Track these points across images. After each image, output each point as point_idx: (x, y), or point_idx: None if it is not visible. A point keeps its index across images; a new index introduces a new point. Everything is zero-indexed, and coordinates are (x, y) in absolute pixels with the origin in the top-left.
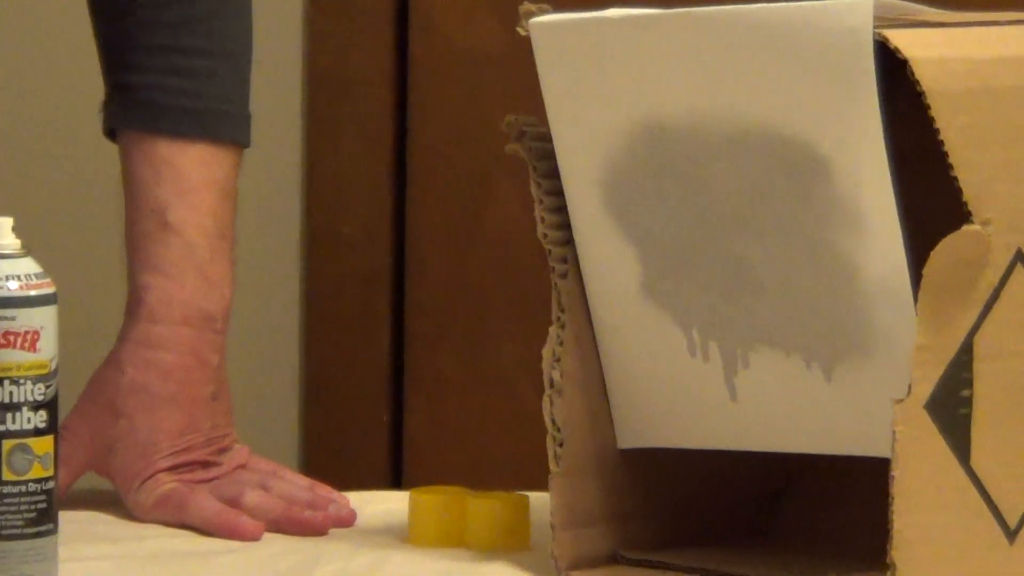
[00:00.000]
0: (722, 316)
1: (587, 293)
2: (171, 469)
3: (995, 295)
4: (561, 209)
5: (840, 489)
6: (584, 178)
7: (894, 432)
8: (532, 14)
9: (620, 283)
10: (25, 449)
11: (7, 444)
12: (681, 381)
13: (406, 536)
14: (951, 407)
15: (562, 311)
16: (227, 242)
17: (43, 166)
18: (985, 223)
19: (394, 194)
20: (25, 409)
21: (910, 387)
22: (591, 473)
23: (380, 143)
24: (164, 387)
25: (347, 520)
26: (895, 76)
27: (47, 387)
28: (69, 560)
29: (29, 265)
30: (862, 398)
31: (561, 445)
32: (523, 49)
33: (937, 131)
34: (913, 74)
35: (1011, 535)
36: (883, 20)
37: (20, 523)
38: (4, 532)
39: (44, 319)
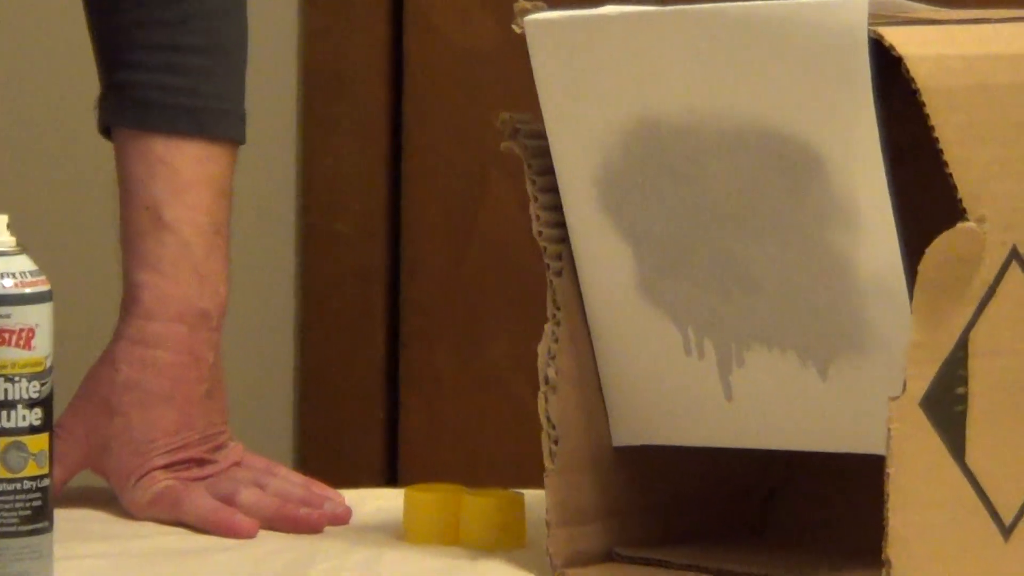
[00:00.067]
0: (717, 314)
1: (582, 291)
2: (166, 467)
3: (990, 292)
4: (556, 207)
5: (835, 486)
6: (579, 176)
7: (889, 429)
8: (527, 11)
9: (615, 281)
10: (20, 447)
11: (2, 442)
12: (676, 379)
13: (401, 534)
14: (946, 404)
15: (557, 309)
16: (222, 239)
17: (38, 163)
18: (980, 220)
19: (389, 191)
20: (20, 407)
21: (905, 384)
22: (586, 470)
23: (375, 140)
24: (159, 385)
25: (342, 518)
26: (890, 73)
27: (42, 385)
28: (64, 558)
29: (24, 263)
30: (857, 395)
31: (556, 442)
32: (518, 46)
33: (932, 128)
34: (908, 71)
35: (1006, 532)
36: (878, 17)
37: (15, 521)
38: None
39: (39, 317)
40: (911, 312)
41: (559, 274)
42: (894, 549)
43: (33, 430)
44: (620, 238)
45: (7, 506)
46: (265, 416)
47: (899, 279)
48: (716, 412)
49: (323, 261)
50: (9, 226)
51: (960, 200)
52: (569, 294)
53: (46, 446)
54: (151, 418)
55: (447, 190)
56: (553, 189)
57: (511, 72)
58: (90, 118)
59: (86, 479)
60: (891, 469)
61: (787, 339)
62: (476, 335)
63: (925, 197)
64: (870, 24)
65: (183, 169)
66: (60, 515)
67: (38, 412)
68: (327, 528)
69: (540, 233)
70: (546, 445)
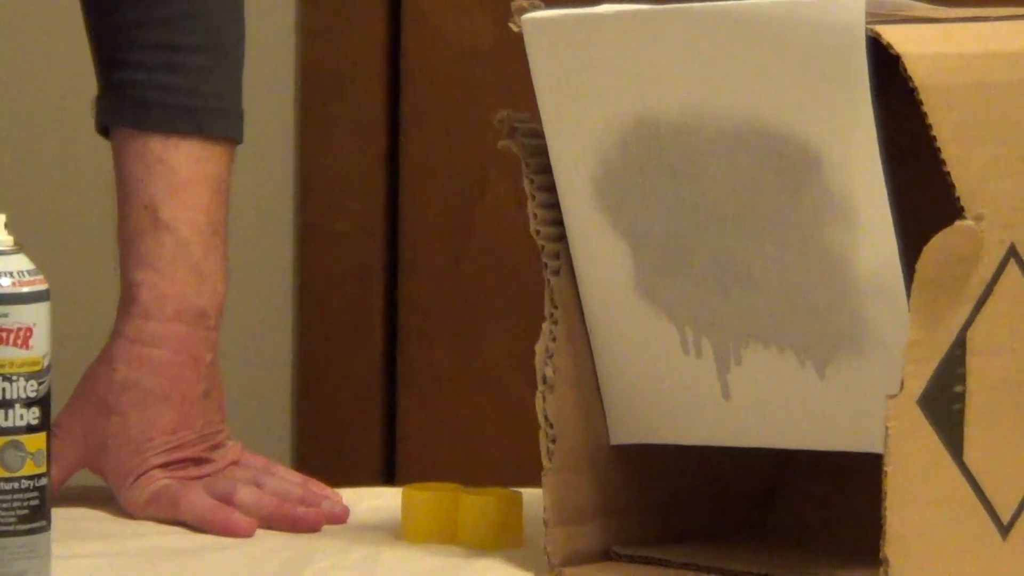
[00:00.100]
0: (715, 312)
1: (580, 289)
2: (164, 466)
3: (988, 291)
4: (554, 205)
5: (833, 485)
6: (577, 174)
7: (887, 428)
8: (524, 10)
9: (613, 279)
10: (18, 446)
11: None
12: (674, 377)
13: (399, 532)
14: (944, 402)
15: (555, 307)
16: (220, 238)
17: (35, 163)
18: (978, 219)
19: (387, 190)
20: (18, 406)
21: (903, 383)
22: (584, 469)
23: (373, 139)
24: (156, 384)
25: (340, 516)
26: (888, 72)
27: (40, 384)
28: (62, 557)
29: (22, 262)
30: (855, 394)
31: (554, 441)
32: (515, 45)
33: (930, 127)
34: (906, 70)
35: (1004, 530)
36: (876, 16)
37: (13, 520)
38: None
39: (37, 316)
40: (909, 311)
41: (557, 273)
42: (892, 547)
43: (31, 429)
44: (618, 237)
45: (4, 505)
46: (263, 415)
47: (897, 278)
48: (714, 411)
49: (321, 260)
50: (7, 225)
51: (958, 199)
52: (567, 293)
53: (43, 445)
54: (149, 417)
55: (445, 189)
56: (551, 188)
57: (509, 71)
58: (87, 117)
59: (84, 478)
60: (889, 468)
61: (785, 338)
62: (474, 334)
63: (923, 196)
64: (868, 23)
65: (181, 168)
66: (58, 514)
67: (36, 411)
68: (325, 527)
69: (538, 232)
70: (544, 444)
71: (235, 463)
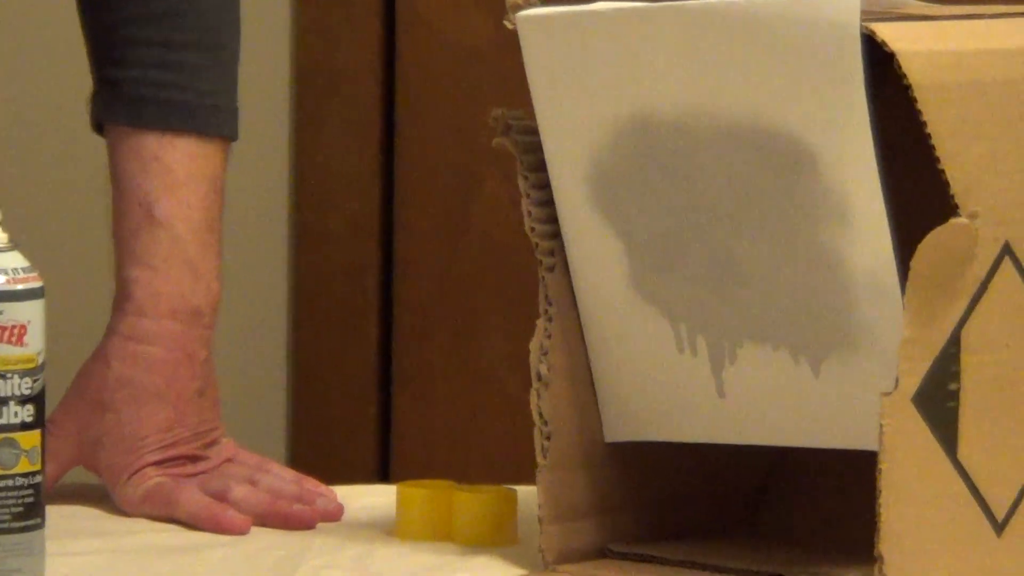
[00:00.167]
0: (709, 310)
1: (574, 287)
2: (158, 463)
3: (982, 288)
4: (548, 203)
5: (828, 482)
6: (571, 172)
7: (881, 425)
8: (519, 7)
9: (607, 277)
10: (12, 443)
11: None
12: (668, 375)
13: (393, 530)
14: (938, 400)
15: (549, 305)
16: (215, 236)
17: (30, 160)
18: (972, 216)
19: (382, 188)
20: (12, 403)
21: (897, 380)
22: (578, 467)
23: (368, 137)
24: (151, 381)
25: (334, 514)
26: (882, 69)
27: (34, 381)
28: (56, 555)
29: (16, 259)
30: (850, 391)
31: (548, 439)
32: (510, 43)
33: (924, 124)
34: (900, 67)
35: (998, 527)
36: (870, 13)
37: (7, 517)
38: None
39: (31, 313)
40: (903, 308)
41: (551, 270)
42: (886, 544)
43: (25, 427)
44: (612, 234)
45: None
46: (257, 412)
47: (891, 275)
48: (708, 408)
49: (315, 258)
50: (1, 222)
51: (952, 196)
52: (562, 290)
53: (38, 443)
54: (143, 415)
55: (440, 187)
56: (545, 185)
57: (504, 69)
58: (82, 114)
59: (78, 475)
60: (884, 465)
61: (780, 336)
62: (468, 332)
63: (917, 193)
64: (862, 20)
65: (176, 166)
66: (52, 511)
67: (30, 408)
68: (319, 524)
69: (532, 229)
70: (538, 441)
71: (229, 461)
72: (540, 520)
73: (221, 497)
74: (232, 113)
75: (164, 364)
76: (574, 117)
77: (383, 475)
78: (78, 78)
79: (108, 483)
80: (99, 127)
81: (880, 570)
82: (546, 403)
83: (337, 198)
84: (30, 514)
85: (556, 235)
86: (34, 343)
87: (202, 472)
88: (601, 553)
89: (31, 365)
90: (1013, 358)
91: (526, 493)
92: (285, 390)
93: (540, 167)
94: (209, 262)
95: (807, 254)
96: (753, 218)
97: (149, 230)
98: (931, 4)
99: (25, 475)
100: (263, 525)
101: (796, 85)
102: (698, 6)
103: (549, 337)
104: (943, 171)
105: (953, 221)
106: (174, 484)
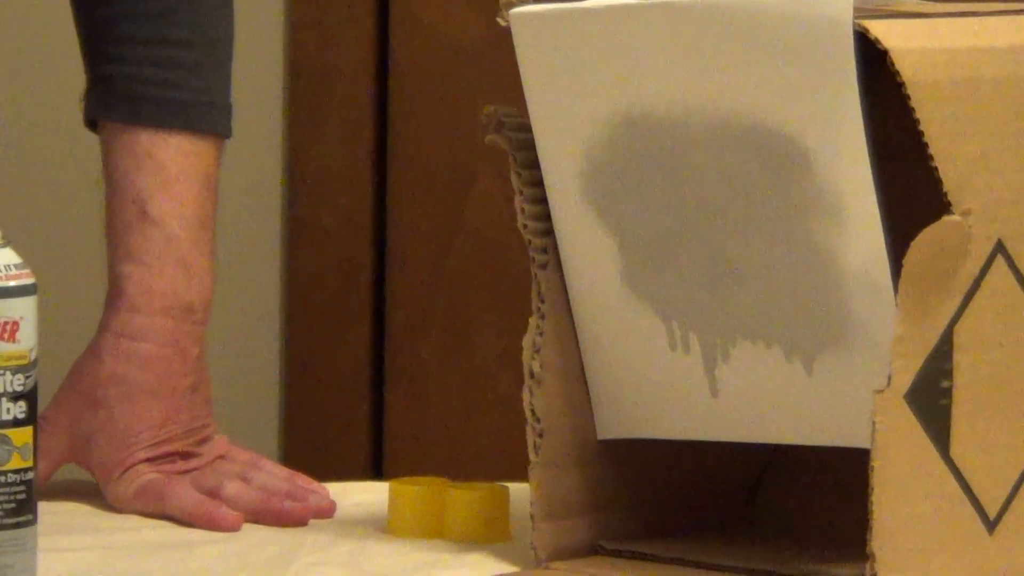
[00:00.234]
0: (702, 308)
1: (567, 284)
2: (150, 460)
3: (975, 285)
4: (541, 200)
5: (820, 480)
6: (564, 169)
7: (874, 422)
8: (512, 4)
9: (600, 274)
10: (4, 440)
11: None
12: (661, 373)
13: (385, 527)
14: (931, 398)
15: (542, 302)
16: (208, 233)
17: (23, 156)
18: (965, 213)
19: (375, 185)
20: (4, 400)
21: (890, 378)
22: (571, 464)
23: (361, 134)
24: (143, 378)
25: (327, 511)
26: (876, 67)
27: (26, 378)
28: (48, 551)
29: (8, 255)
30: (842, 389)
31: (541, 436)
32: (504, 40)
33: (917, 122)
34: (893, 65)
35: (991, 525)
36: (863, 11)
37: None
38: None
39: (23, 309)
40: (896, 305)
41: (544, 267)
42: (879, 542)
43: (17, 423)
44: (605, 231)
45: None
46: (250, 409)
47: (884, 273)
48: (701, 406)
49: (309, 255)
50: None
51: (945, 193)
52: (555, 287)
53: (30, 439)
54: (135, 411)
55: (433, 184)
56: (539, 183)
57: (497, 66)
58: (75, 111)
59: (70, 472)
60: (876, 462)
61: (772, 333)
62: (461, 329)
63: (911, 190)
64: (855, 17)
65: (170, 163)
66: (44, 508)
67: (22, 405)
68: (311, 521)
69: (525, 226)
70: (531, 438)
71: (222, 457)
72: (532, 517)
73: (213, 494)
74: (226, 110)
75: (157, 361)
76: (567, 114)
77: (376, 472)
78: (71, 75)
79: (100, 480)
80: (92, 124)
81: (872, 567)
82: (539, 400)
83: (330, 195)
84: (22, 510)
85: (549, 232)
86: (26, 339)
87: (194, 469)
88: (593, 550)
89: (23, 361)
90: (1006, 356)
91: (518, 490)
92: (277, 386)
93: (533, 164)
94: (202, 259)
95: (800, 251)
96: (746, 215)
97: (142, 227)
98: (924, 1)
99: (17, 471)
100: (255, 522)
101: (789, 82)
102: (691, 3)
103: (542, 334)
104: (936, 169)
105: (946, 219)
106: (166, 481)
